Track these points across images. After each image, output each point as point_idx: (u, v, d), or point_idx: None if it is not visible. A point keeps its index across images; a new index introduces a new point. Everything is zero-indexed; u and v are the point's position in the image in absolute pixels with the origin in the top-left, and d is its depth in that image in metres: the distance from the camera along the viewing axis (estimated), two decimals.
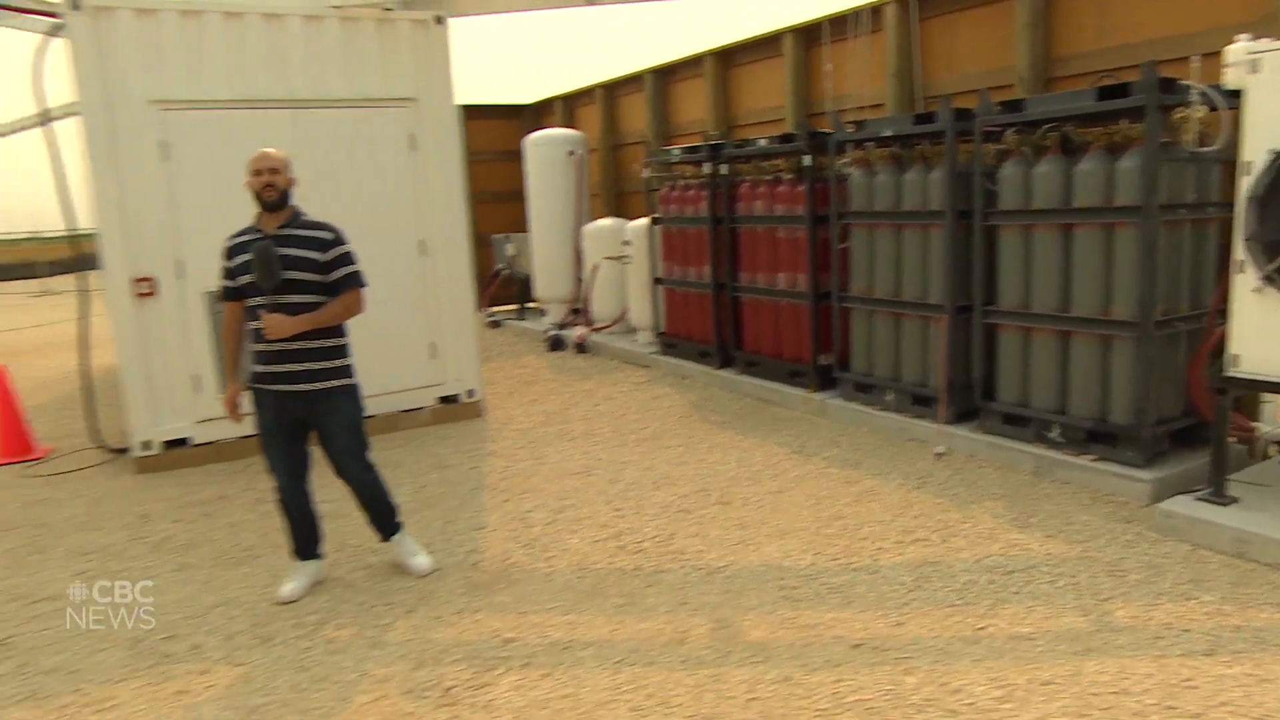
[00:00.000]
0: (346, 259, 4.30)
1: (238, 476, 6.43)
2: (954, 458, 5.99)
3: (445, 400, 7.76)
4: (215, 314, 6.68)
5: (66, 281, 27.62)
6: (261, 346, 4.21)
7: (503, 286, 13.63)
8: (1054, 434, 5.57)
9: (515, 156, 12.93)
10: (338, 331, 4.34)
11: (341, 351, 4.37)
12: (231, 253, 4.28)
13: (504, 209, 13.66)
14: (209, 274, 6.60)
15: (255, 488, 6.08)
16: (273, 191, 4.19)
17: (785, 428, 7.00)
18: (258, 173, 4.18)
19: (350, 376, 4.41)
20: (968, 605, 3.96)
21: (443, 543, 4.98)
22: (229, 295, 4.35)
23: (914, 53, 7.89)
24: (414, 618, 4.08)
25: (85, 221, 7.02)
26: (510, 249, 13.24)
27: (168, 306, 6.59)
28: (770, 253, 7.97)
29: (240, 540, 5.21)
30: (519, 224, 13.07)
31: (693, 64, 11.07)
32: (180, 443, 6.76)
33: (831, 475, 5.79)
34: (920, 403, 6.55)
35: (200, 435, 6.80)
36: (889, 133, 6.62)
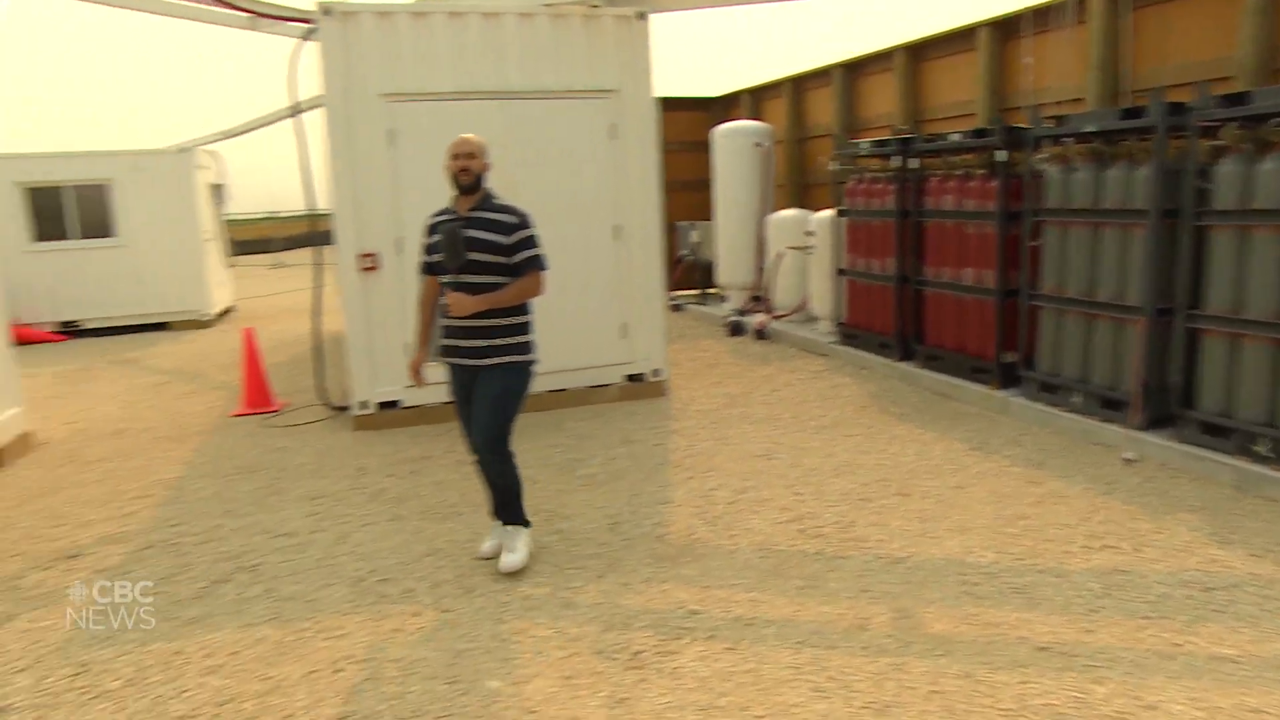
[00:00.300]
0: (529, 242, 4.42)
1: (440, 439, 6.97)
2: (1145, 465, 5.73)
3: (632, 379, 8.08)
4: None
5: (296, 256, 30.31)
6: (446, 321, 4.48)
7: (685, 272, 13.91)
8: (1261, 448, 5.23)
9: (703, 147, 13.13)
10: (518, 310, 4.47)
11: (515, 330, 4.47)
12: (429, 231, 4.55)
13: (690, 197, 13.89)
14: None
15: (456, 450, 6.57)
16: (467, 176, 4.39)
17: (965, 423, 6.88)
18: (455, 156, 4.39)
19: (517, 354, 4.48)
20: (1163, 619, 3.83)
21: (630, 514, 5.26)
22: (425, 270, 4.61)
23: (1121, 44, 7.49)
24: (604, 583, 4.37)
25: (321, 202, 7.79)
26: (694, 236, 13.51)
27: (388, 280, 7.21)
28: (957, 247, 7.81)
29: (445, 497, 5.68)
30: (703, 212, 13.31)
31: (882, 59, 10.92)
32: (392, 405, 7.41)
33: (1013, 474, 5.68)
34: (1109, 406, 6.28)
35: (409, 399, 7.40)
36: (1093, 128, 6.35)
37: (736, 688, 3.44)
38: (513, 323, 4.47)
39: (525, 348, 4.54)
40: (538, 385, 7.74)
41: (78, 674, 3.72)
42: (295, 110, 7.57)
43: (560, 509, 5.36)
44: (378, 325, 7.25)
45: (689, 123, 14.42)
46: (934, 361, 8.19)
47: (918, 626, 3.85)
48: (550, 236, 7.61)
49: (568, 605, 4.16)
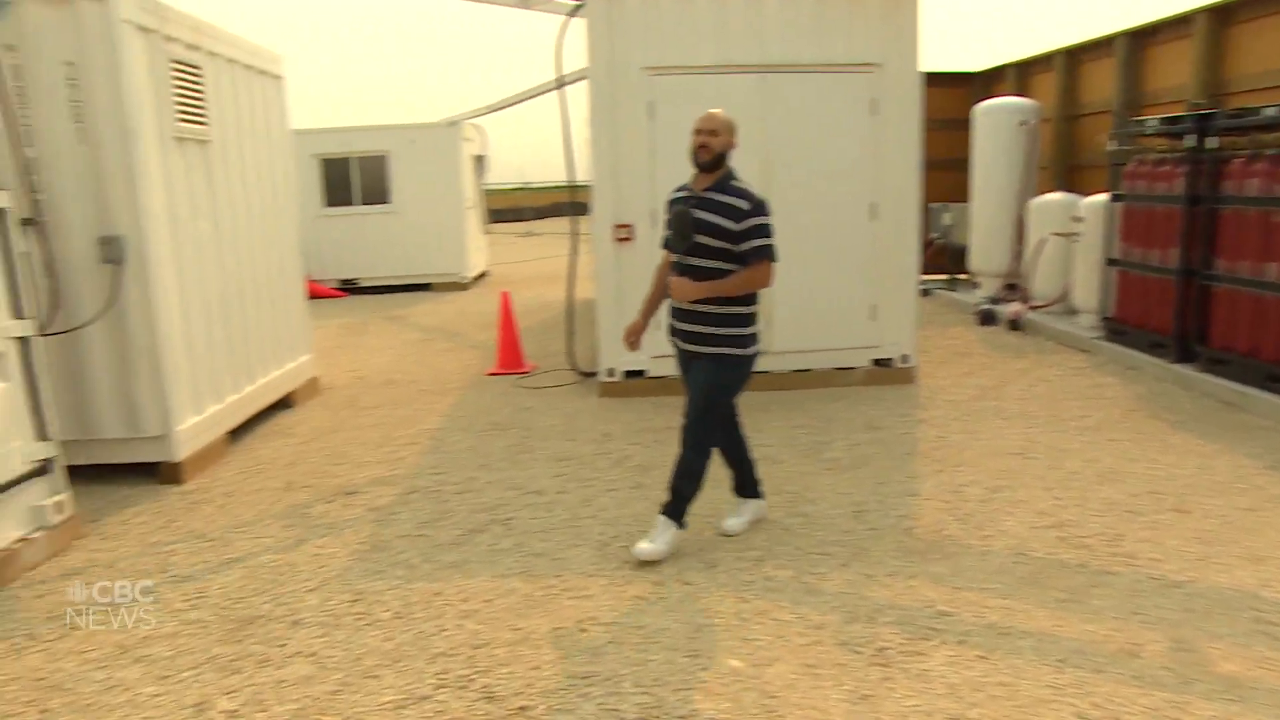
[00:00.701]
0: (759, 231, 4.16)
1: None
2: None
3: (879, 363, 7.80)
4: None
5: (546, 225, 31.77)
6: (671, 302, 4.44)
7: (935, 256, 13.25)
8: None
9: (960, 125, 12.39)
10: (741, 300, 4.26)
11: (735, 320, 4.27)
12: (668, 207, 4.45)
13: (944, 177, 13.17)
14: None
15: None
16: (706, 153, 4.19)
17: (1257, 438, 6.10)
18: (698, 132, 4.20)
19: (732, 346, 4.29)
20: None
21: (876, 503, 5.07)
22: (664, 243, 4.53)
23: None
24: (848, 571, 4.23)
25: (580, 174, 8.03)
26: (947, 218, 12.82)
27: (641, 251, 7.31)
28: (1262, 239, 6.89)
29: None
30: (957, 193, 12.59)
31: (1178, 24, 9.78)
32: (638, 374, 7.55)
33: None
34: None
35: (654, 369, 7.51)
36: None
37: (989, 699, 3.21)
38: (732, 312, 4.28)
39: (743, 340, 4.32)
40: (782, 364, 7.74)
41: (355, 600, 4.05)
42: (560, 84, 7.82)
43: (804, 491, 5.25)
44: (629, 295, 7.37)
45: (947, 99, 13.66)
46: (1219, 366, 7.32)
47: (1202, 663, 3.44)
48: (804, 213, 7.59)
49: (811, 591, 4.06)
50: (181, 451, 5.62)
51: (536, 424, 6.84)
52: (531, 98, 14.18)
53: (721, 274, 4.22)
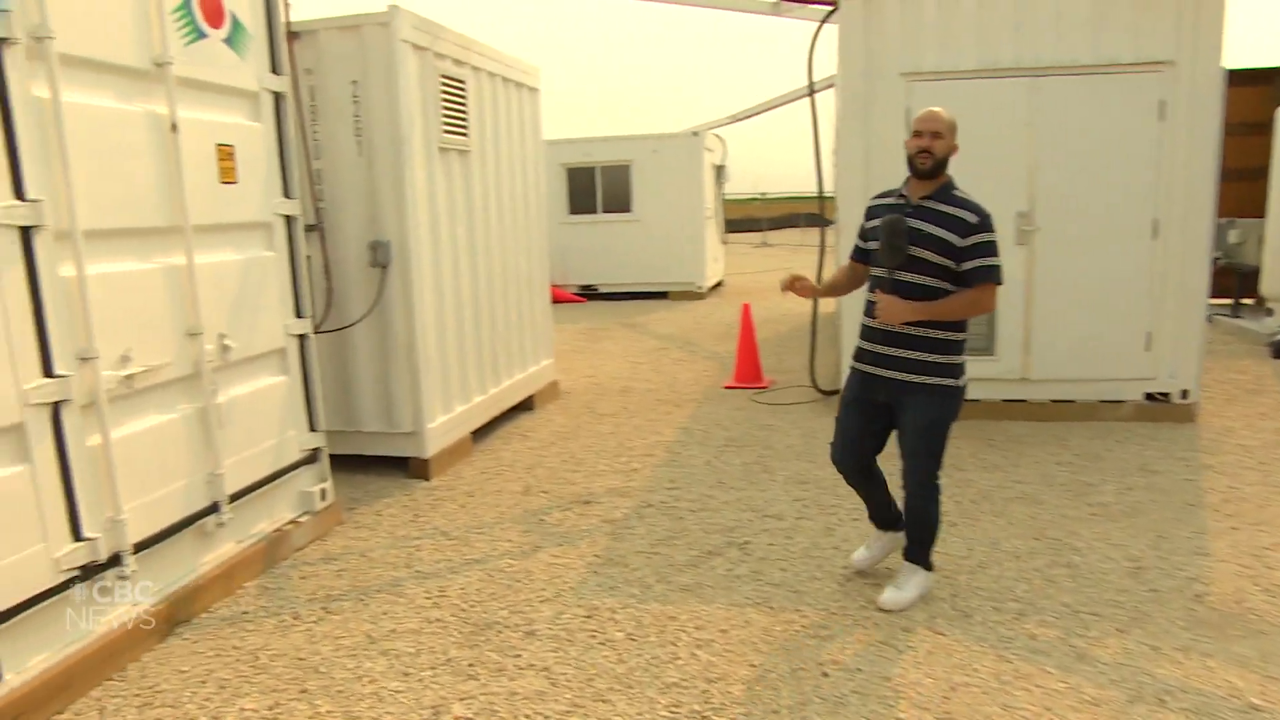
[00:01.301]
0: (985, 249, 3.69)
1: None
2: None
3: (1151, 397, 6.96)
4: None
5: (780, 236, 31.47)
6: (868, 321, 3.93)
7: (1218, 277, 11.76)
8: None
9: (1257, 129, 10.94)
10: (957, 325, 3.81)
11: (950, 347, 3.82)
12: (869, 213, 4.01)
13: (1232, 189, 11.64)
14: None
15: (951, 452, 6.11)
16: (928, 158, 3.72)
17: None
18: (918, 134, 3.75)
19: (949, 377, 3.83)
20: None
21: (1156, 560, 4.45)
22: (855, 255, 4.12)
23: None
24: (1126, 639, 3.70)
25: (824, 184, 7.72)
26: (1234, 235, 11.34)
27: None
28: None
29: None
30: (1247, 207, 11.11)
31: None
32: None
33: None
34: None
35: None
36: None
37: None
38: (951, 337, 3.82)
39: (957, 370, 3.88)
40: (1039, 392, 7.09)
41: (588, 616, 3.99)
42: (811, 91, 7.56)
43: (1068, 539, 4.70)
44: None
45: (1242, 99, 12.12)
46: None
47: None
48: (1074, 228, 6.90)
49: (1082, 657, 3.57)
50: (431, 448, 5.85)
51: (775, 443, 6.61)
52: (774, 107, 14.02)
53: (936, 293, 3.75)
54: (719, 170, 16.20)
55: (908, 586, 4.06)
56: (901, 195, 3.89)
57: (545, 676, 3.50)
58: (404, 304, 5.68)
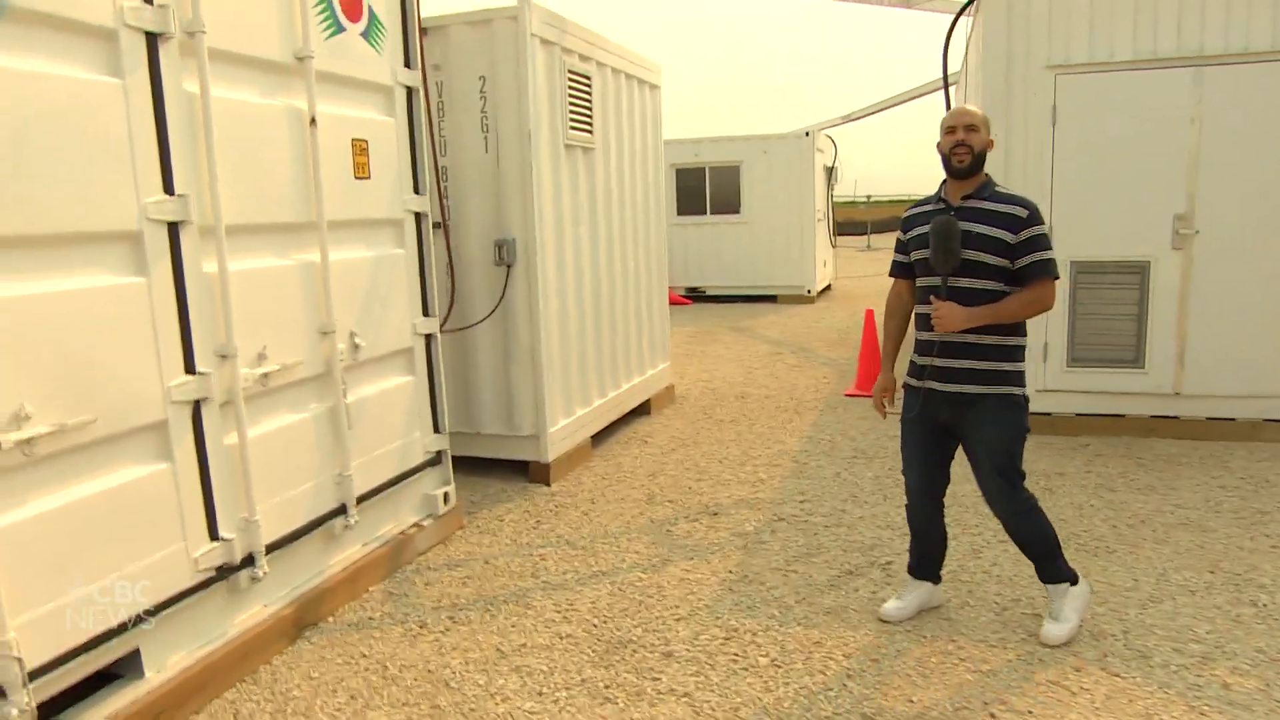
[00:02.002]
0: (1039, 243, 3.42)
1: (1074, 454, 6.14)
2: None
3: None
4: (1079, 286, 6.42)
5: (884, 240, 30.70)
6: (925, 335, 3.62)
7: None
8: None
9: None
10: (1017, 329, 3.54)
11: (1014, 354, 3.54)
12: (907, 224, 3.72)
13: None
14: (1076, 243, 6.37)
15: (1096, 471, 5.73)
16: (965, 154, 3.45)
17: None
18: (951, 130, 3.48)
19: (1017, 385, 3.55)
20: None
21: None
22: (897, 270, 3.82)
23: None
24: None
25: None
26: None
27: None
28: None
29: (1089, 526, 4.89)
30: None
31: None
32: None
33: None
34: None
35: (1037, 404, 6.58)
36: None
37: None
38: (1014, 343, 3.54)
39: (1020, 377, 3.57)
40: (1194, 409, 6.55)
41: (728, 638, 3.76)
42: (945, 86, 7.18)
43: (1250, 574, 4.26)
44: None
45: None
46: None
47: None
48: (1241, 233, 6.34)
49: None
50: (552, 453, 5.71)
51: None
52: (890, 107, 13.57)
53: (995, 296, 3.46)
54: (830, 171, 15.79)
55: (1064, 613, 3.71)
56: (941, 200, 3.61)
57: (687, 704, 3.29)
58: (528, 304, 5.55)
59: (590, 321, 6.27)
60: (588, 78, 6.06)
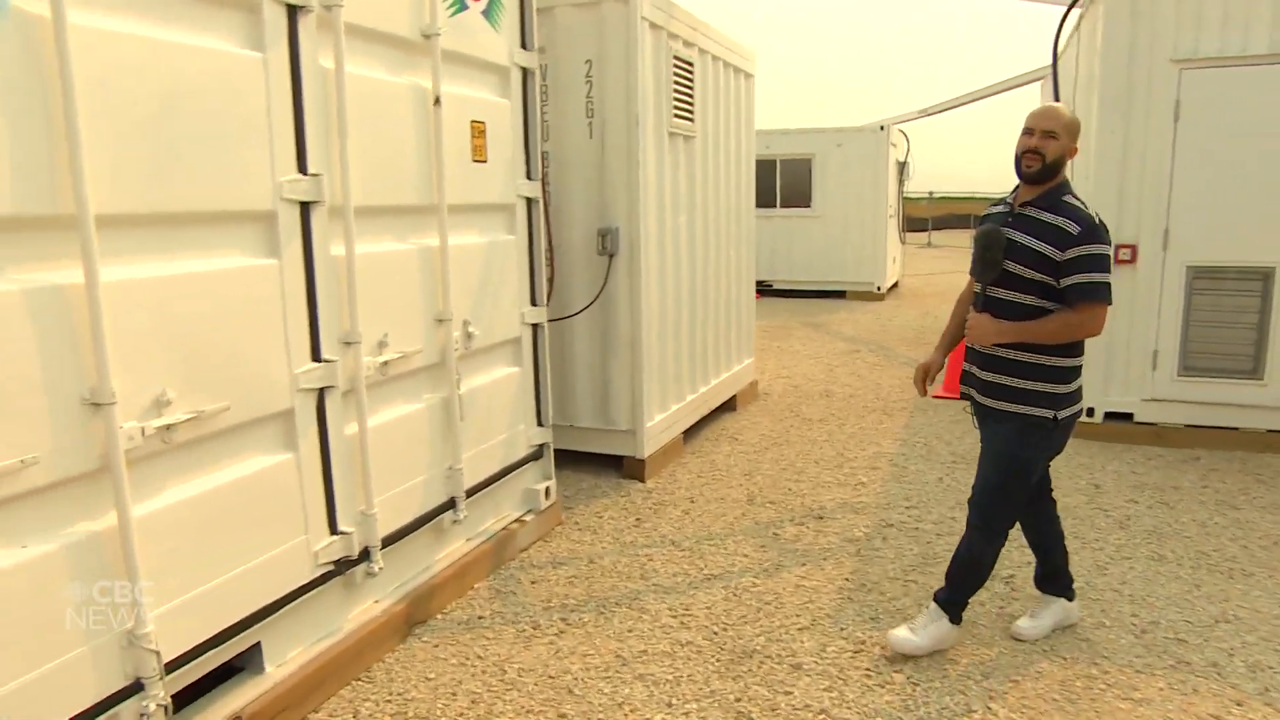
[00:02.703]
0: (1089, 263, 3.11)
1: (1185, 467, 5.83)
2: None
3: None
4: (1194, 291, 6.10)
5: (945, 237, 30.14)
6: (968, 341, 3.45)
7: None
8: None
9: None
10: (1062, 349, 3.23)
11: (1050, 374, 3.24)
12: (980, 222, 3.51)
13: None
14: (1194, 246, 6.05)
15: (1213, 486, 5.42)
16: (1035, 160, 3.19)
17: None
18: (1028, 132, 3.23)
19: (1041, 407, 3.24)
20: None
21: None
22: (972, 269, 3.54)
23: None
24: None
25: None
26: None
27: (1142, 276, 6.19)
28: None
29: (1219, 545, 4.60)
30: None
31: None
32: (1122, 417, 6.42)
33: None
34: None
35: (1143, 414, 6.34)
36: None
37: None
38: (1049, 364, 3.24)
39: (1057, 400, 3.26)
40: None
41: (856, 651, 3.56)
42: (1054, 80, 6.86)
43: None
44: (1120, 326, 6.28)
45: None
46: None
47: None
48: None
49: None
50: (647, 449, 5.53)
51: None
52: (971, 102, 13.19)
53: (1034, 313, 3.21)
54: (902, 167, 15.42)
55: (924, 631, 3.51)
56: (1007, 202, 3.38)
57: None
58: (629, 295, 5.37)
59: (686, 315, 6.08)
60: (690, 64, 5.86)
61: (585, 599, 4.02)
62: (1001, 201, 3.45)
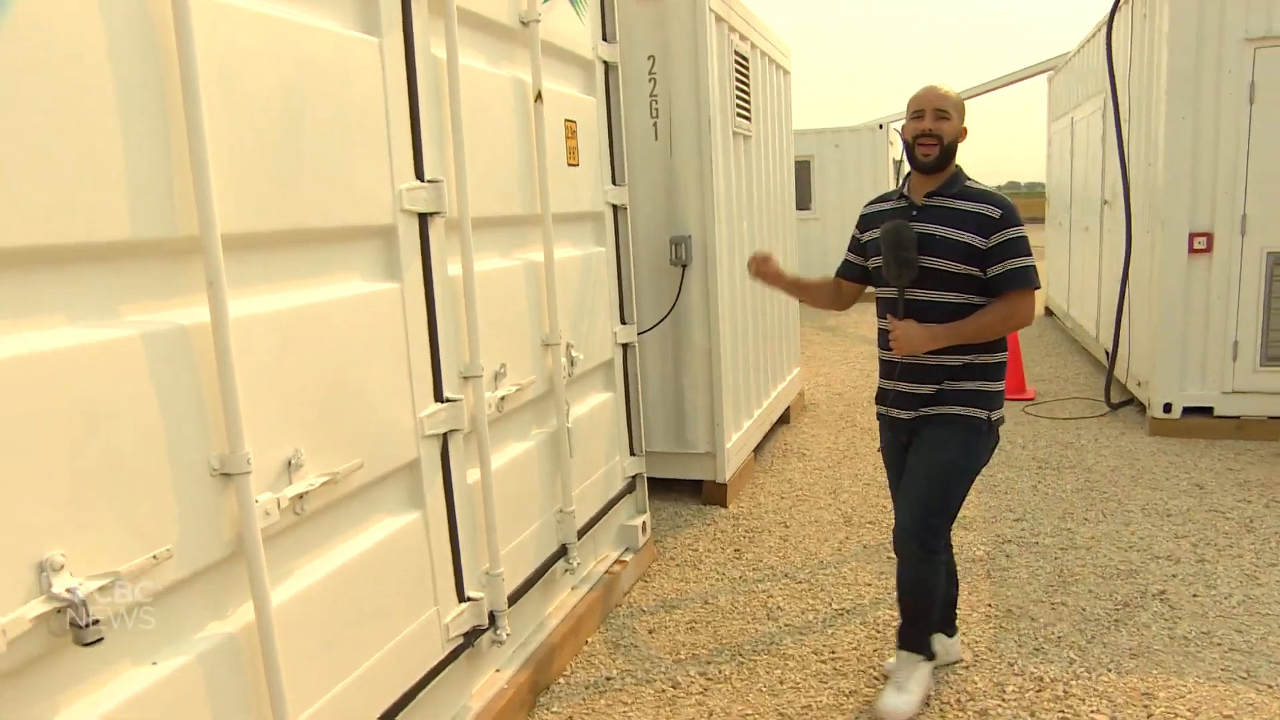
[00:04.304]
0: (1015, 248, 2.79)
1: (1277, 462, 5.49)
2: None
3: None
4: (1275, 278, 5.77)
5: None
6: (885, 354, 3.00)
7: None
8: None
9: None
10: (988, 346, 2.88)
11: (984, 372, 2.89)
12: (863, 222, 3.12)
13: None
14: (1273, 231, 5.72)
15: None
16: (932, 146, 2.80)
17: None
18: (917, 115, 2.83)
19: (976, 407, 2.87)
20: None
21: None
22: (843, 271, 3.24)
23: None
24: None
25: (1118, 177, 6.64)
26: None
27: (1219, 264, 5.85)
28: None
29: None
30: None
31: None
32: (1202, 411, 6.06)
33: None
34: None
35: (1223, 407, 5.99)
36: None
37: None
38: (982, 361, 2.89)
39: (993, 399, 2.92)
40: None
41: (1039, 688, 3.11)
42: (1110, 70, 6.52)
43: None
44: (1196, 317, 5.94)
45: None
46: None
47: None
48: None
49: None
50: (728, 470, 5.05)
51: (1092, 464, 5.60)
52: (975, 95, 12.89)
53: (959, 310, 2.83)
54: (899, 165, 15.11)
55: (909, 686, 3.02)
56: (902, 195, 2.99)
57: None
58: (703, 307, 4.90)
59: (750, 325, 5.62)
60: (747, 59, 5.41)
61: (716, 647, 3.53)
62: (887, 198, 3.07)
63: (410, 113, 2.47)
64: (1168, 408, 6.07)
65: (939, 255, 2.81)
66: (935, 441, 2.89)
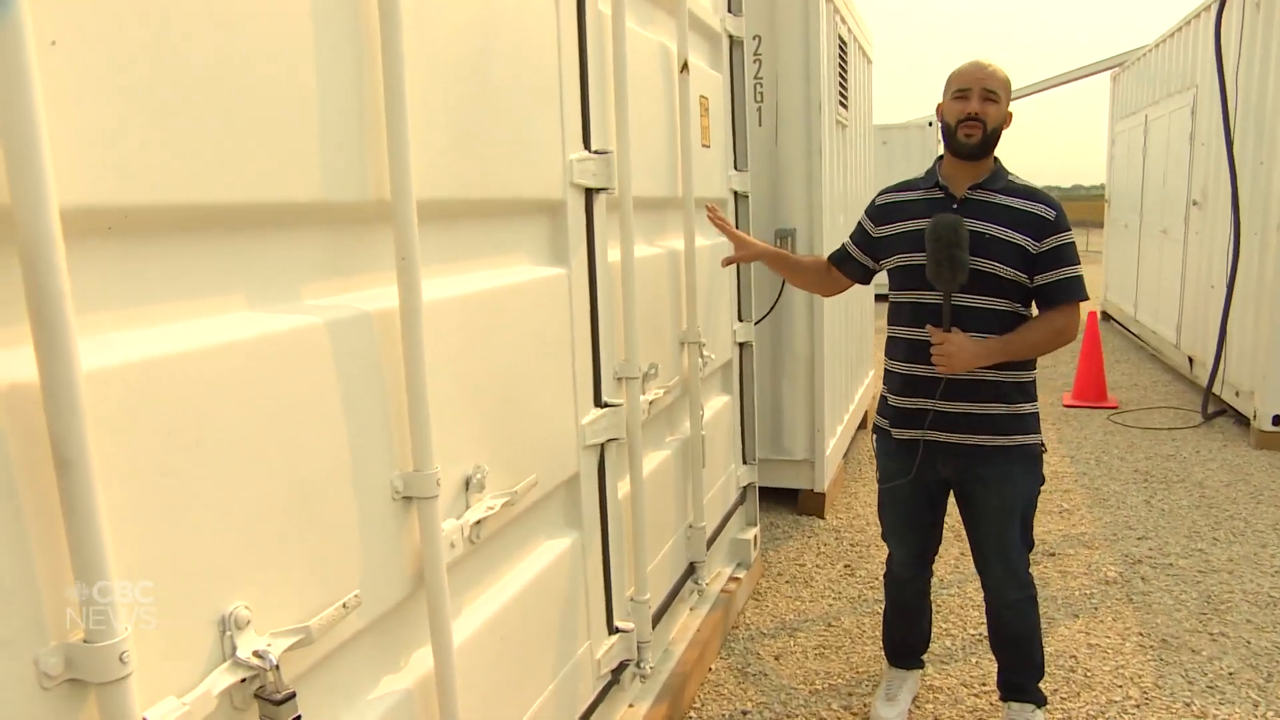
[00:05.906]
0: (1068, 254, 2.41)
1: None
2: None
3: None
4: None
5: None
6: (905, 367, 2.55)
7: None
8: None
9: None
10: (1033, 363, 2.54)
11: (1029, 392, 2.52)
12: (880, 213, 2.65)
13: None
14: None
15: None
16: (975, 129, 2.40)
17: None
18: (961, 94, 2.42)
19: (1034, 433, 2.52)
20: None
21: None
22: (837, 258, 2.81)
23: None
24: None
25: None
26: None
27: None
28: None
29: None
30: None
31: None
32: None
33: None
34: None
35: None
36: None
37: None
38: (1023, 379, 2.50)
39: (1039, 422, 2.55)
40: None
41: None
42: (1218, 65, 6.10)
43: None
44: None
45: None
46: None
47: None
48: None
49: None
50: (826, 479, 4.67)
51: (1201, 478, 5.19)
52: (1024, 96, 12.46)
53: (1009, 321, 2.44)
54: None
55: None
56: (938, 186, 2.53)
57: None
58: (807, 308, 4.51)
59: (842, 325, 5.23)
60: (846, 44, 5.03)
61: (853, 677, 3.15)
62: (912, 186, 2.63)
63: (579, 73, 2.09)
64: (1277, 420, 5.66)
65: (991, 258, 2.39)
66: (1007, 478, 2.51)
